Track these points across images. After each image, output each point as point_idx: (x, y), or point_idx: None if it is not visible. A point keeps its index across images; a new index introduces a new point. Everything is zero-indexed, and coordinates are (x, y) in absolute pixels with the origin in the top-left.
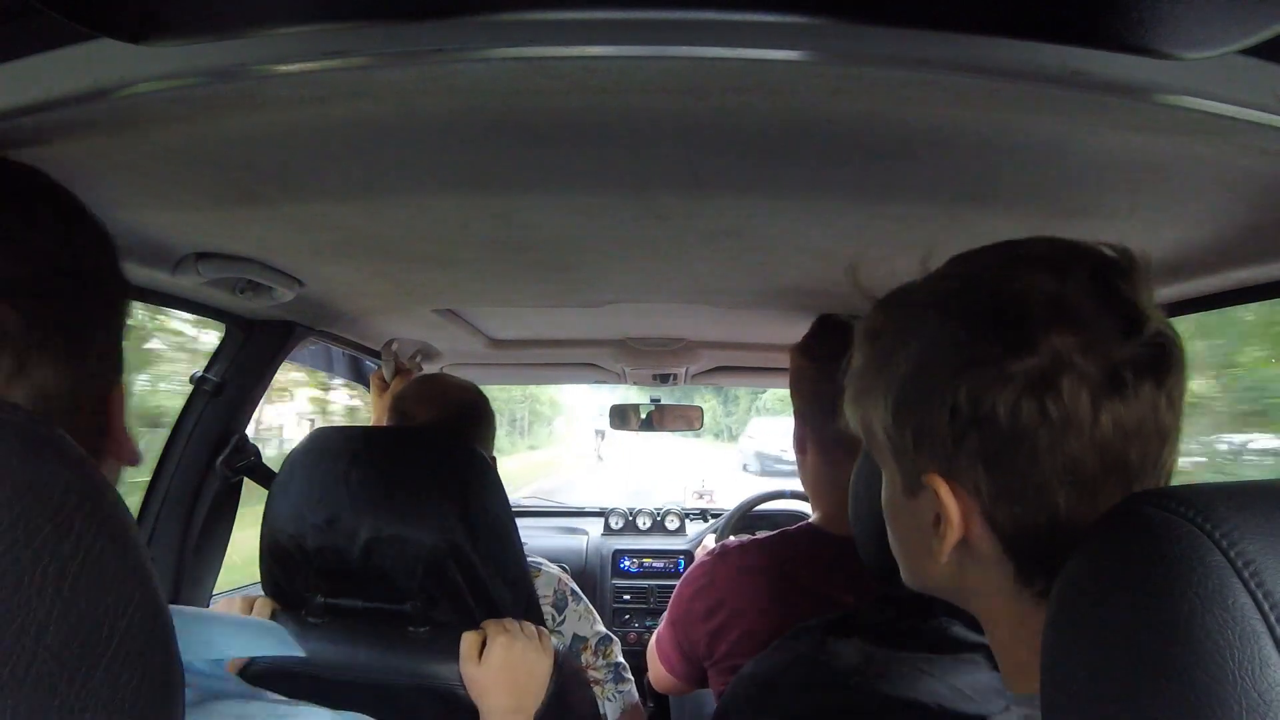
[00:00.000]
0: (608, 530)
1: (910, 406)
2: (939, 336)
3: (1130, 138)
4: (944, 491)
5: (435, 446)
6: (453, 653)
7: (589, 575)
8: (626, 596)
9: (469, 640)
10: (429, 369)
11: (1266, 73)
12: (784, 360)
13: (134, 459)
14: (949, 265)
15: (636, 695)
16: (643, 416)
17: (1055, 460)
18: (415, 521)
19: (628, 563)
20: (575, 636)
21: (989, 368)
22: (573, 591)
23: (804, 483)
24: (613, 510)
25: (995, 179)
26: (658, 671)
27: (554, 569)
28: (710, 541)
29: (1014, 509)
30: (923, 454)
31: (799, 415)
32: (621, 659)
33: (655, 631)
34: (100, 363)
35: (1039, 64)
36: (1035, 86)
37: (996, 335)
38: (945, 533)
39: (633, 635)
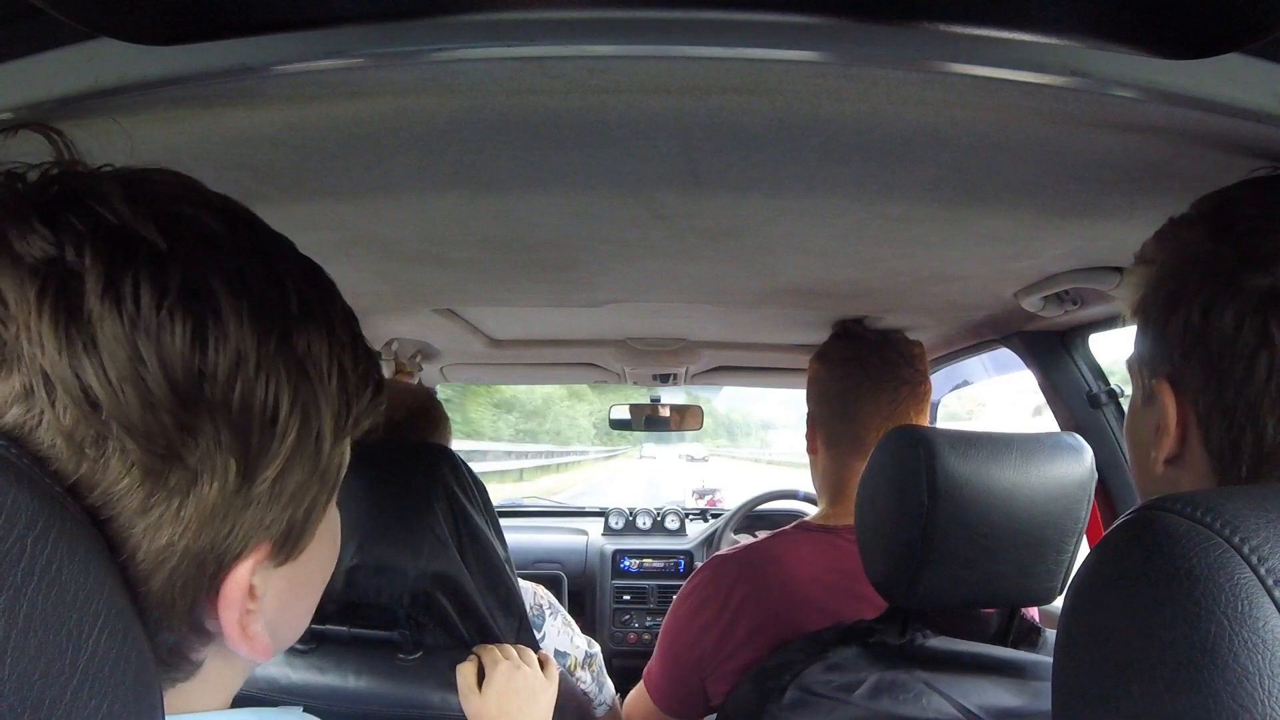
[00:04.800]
0: (608, 530)
1: (1152, 314)
2: (1187, 248)
3: (1130, 138)
4: (1168, 397)
5: (418, 462)
6: (445, 681)
7: (589, 575)
8: (626, 596)
9: (465, 672)
10: (429, 369)
11: (1266, 73)
12: (784, 360)
13: (257, 654)
14: (1231, 185)
15: (613, 691)
16: (645, 418)
17: (1270, 385)
18: (401, 548)
19: (628, 563)
20: (557, 652)
21: (1224, 280)
22: (549, 605)
23: (813, 479)
24: (613, 510)
25: (995, 179)
26: (645, 708)
27: (526, 584)
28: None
29: (1225, 425)
30: (1157, 362)
31: (811, 417)
32: (602, 663)
33: (643, 679)
34: (201, 525)
35: (1039, 63)
36: (1035, 86)
37: (1237, 251)
38: (1162, 440)
39: (632, 636)
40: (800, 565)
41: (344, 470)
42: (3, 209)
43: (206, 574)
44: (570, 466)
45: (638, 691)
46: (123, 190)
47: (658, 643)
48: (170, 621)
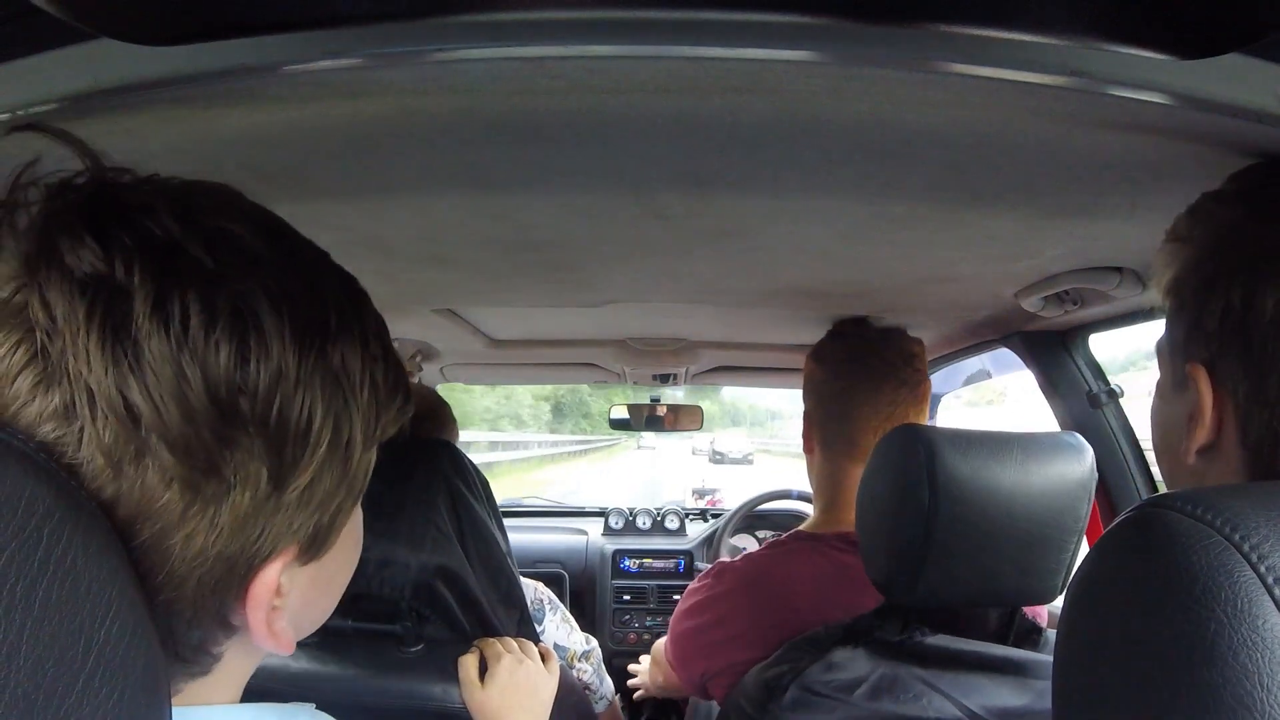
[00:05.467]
0: (608, 530)
1: (1187, 295)
2: (1226, 227)
3: (1130, 138)
4: (1203, 384)
5: (420, 455)
6: (447, 673)
7: (589, 575)
8: (626, 596)
9: (467, 664)
10: (429, 369)
11: (1266, 73)
12: (784, 360)
13: (281, 648)
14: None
15: (612, 688)
16: (645, 417)
17: None
18: (404, 541)
19: (628, 563)
20: (556, 645)
21: (1268, 262)
22: (549, 600)
23: (810, 480)
24: (613, 510)
25: (995, 179)
26: (667, 675)
27: (527, 581)
28: (723, 551)
29: (1266, 416)
30: (1192, 345)
31: (808, 416)
32: (600, 661)
33: (661, 642)
34: (242, 525)
35: (1039, 63)
36: (1035, 86)
37: (1276, 229)
38: (1195, 430)
39: (632, 635)
40: (791, 581)
41: (369, 475)
42: (53, 219)
43: (237, 575)
44: (500, 470)
45: (659, 655)
46: (170, 205)
47: (671, 621)
48: (201, 619)
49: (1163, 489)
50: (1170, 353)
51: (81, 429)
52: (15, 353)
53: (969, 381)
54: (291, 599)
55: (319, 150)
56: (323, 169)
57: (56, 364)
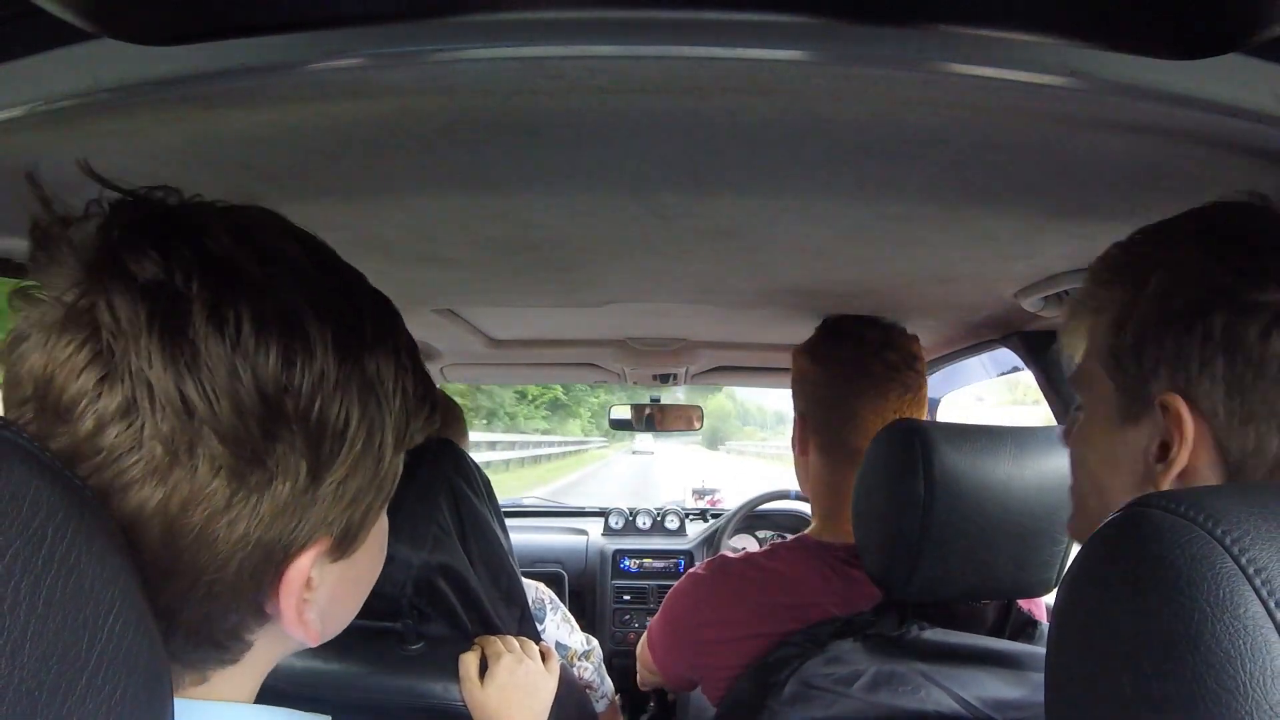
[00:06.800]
0: (608, 530)
1: (1149, 330)
2: (1188, 265)
3: (1130, 138)
4: (1184, 410)
5: (422, 453)
6: (449, 670)
7: (589, 575)
8: (626, 596)
9: (468, 662)
10: (429, 369)
11: (1266, 73)
12: (784, 360)
13: (309, 638)
14: (1199, 209)
15: (613, 687)
16: (644, 417)
17: None
18: (406, 539)
19: (628, 563)
20: (558, 644)
21: (1241, 296)
22: (550, 600)
23: (803, 485)
24: (613, 510)
25: (995, 179)
26: (647, 668)
27: (528, 581)
28: (724, 552)
29: (1246, 434)
30: (1160, 377)
31: (800, 416)
32: (601, 660)
33: (646, 630)
34: (280, 515)
35: (1039, 63)
36: (1035, 86)
37: (1246, 267)
38: (1177, 455)
39: (632, 635)
40: (803, 592)
41: (398, 479)
42: (116, 232)
43: (273, 562)
44: None
45: (643, 649)
46: (223, 224)
47: (658, 616)
48: (237, 603)
49: None
50: (1121, 387)
51: (142, 424)
52: (81, 351)
53: (1003, 373)
54: (320, 593)
55: (319, 150)
56: (323, 169)
57: (120, 362)
